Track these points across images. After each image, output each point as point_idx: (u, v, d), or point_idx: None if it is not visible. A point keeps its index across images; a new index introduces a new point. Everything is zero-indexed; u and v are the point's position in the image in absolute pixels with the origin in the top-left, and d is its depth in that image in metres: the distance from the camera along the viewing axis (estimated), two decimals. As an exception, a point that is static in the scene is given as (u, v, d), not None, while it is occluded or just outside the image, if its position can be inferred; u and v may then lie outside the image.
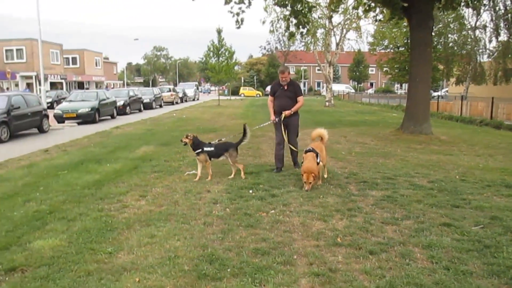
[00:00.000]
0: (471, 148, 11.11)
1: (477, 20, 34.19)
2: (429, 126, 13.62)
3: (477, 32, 34.76)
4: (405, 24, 20.78)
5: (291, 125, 7.78)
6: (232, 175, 7.35)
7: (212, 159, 7.35)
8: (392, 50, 33.17)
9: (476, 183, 7.15)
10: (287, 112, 7.64)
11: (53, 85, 47.35)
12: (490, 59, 36.80)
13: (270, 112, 7.96)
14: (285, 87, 7.71)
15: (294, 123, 7.82)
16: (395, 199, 5.98)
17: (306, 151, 6.72)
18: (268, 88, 8.97)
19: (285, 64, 61.88)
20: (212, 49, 36.23)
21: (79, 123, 19.73)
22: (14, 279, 3.67)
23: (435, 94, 42.55)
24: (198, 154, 7.22)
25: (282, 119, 7.65)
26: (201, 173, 7.34)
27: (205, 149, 7.25)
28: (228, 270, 3.73)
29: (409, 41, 18.76)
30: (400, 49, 31.37)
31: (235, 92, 61.34)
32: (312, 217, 5.18)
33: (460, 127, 17.61)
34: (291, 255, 4.05)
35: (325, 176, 7.23)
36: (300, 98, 7.79)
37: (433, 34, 16.69)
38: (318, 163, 6.54)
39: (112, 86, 59.09)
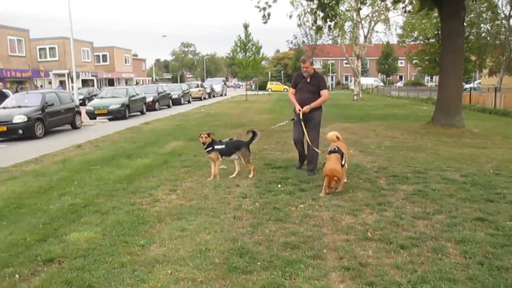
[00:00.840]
0: (505, 141, 10.79)
1: (511, 9, 32.99)
2: (461, 119, 13.29)
3: (511, 21, 33.54)
4: (436, 14, 20.25)
5: (310, 122, 7.00)
6: (251, 175, 7.04)
7: (223, 157, 7.07)
8: (422, 42, 32.40)
9: (511, 177, 6.95)
10: (305, 108, 6.89)
11: (85, 82, 48.50)
12: (525, 50, 35.43)
13: (294, 104, 7.13)
14: (308, 79, 6.98)
15: (315, 119, 7.02)
16: (426, 193, 5.88)
17: (330, 152, 6.04)
18: None
19: (312, 57, 61.55)
20: (239, 44, 36.32)
21: (110, 119, 20.16)
22: (52, 269, 3.80)
23: (467, 86, 41.35)
24: (208, 152, 6.99)
25: (300, 116, 6.96)
26: (230, 167, 7.38)
27: (216, 147, 6.96)
28: (258, 263, 3.76)
29: (439, 32, 18.33)
30: (430, 40, 30.62)
31: (262, 87, 61.33)
32: (341, 212, 5.16)
33: (493, 119, 17.11)
34: (321, 249, 4.05)
35: (345, 181, 6.41)
36: (323, 92, 7.01)
37: (464, 24, 16.21)
38: (342, 166, 5.93)
39: (141, 83, 60.01)
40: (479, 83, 46.68)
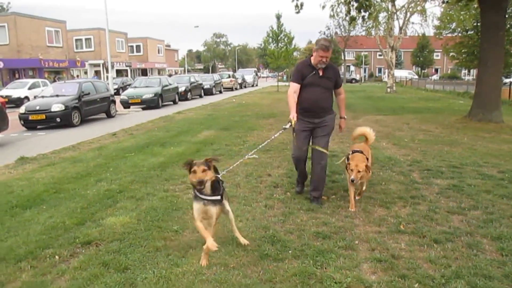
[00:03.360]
0: (547, 138, 10.38)
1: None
2: (500, 114, 12.85)
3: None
4: (475, 5, 19.57)
5: (322, 128, 5.20)
6: None
7: None
8: (460, 34, 31.37)
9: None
10: (342, 125, 5.44)
11: (119, 72, 49.50)
12: None
13: (290, 109, 5.02)
14: (321, 72, 5.11)
15: (329, 124, 5.23)
16: (461, 188, 5.75)
17: (354, 152, 5.17)
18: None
19: (345, 50, 60.61)
20: (271, 34, 36.11)
21: (143, 108, 20.54)
22: (90, 251, 3.94)
23: (507, 80, 39.85)
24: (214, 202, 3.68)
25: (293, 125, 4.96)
26: (262, 157, 7.38)
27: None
28: (290, 251, 3.79)
29: (479, 24, 17.70)
30: (469, 32, 29.61)
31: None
32: (373, 204, 5.11)
33: (534, 115, 16.45)
34: (353, 240, 4.04)
35: (364, 189, 5.46)
36: (342, 90, 5.47)
37: (506, 16, 15.60)
38: (367, 169, 5.00)
39: (173, 73, 60.75)
40: (520, 77, 44.91)
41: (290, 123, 4.92)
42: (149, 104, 20.59)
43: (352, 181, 4.76)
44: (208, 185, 3.53)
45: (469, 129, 11.63)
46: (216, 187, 3.65)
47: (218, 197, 3.66)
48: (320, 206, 5.03)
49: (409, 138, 10.05)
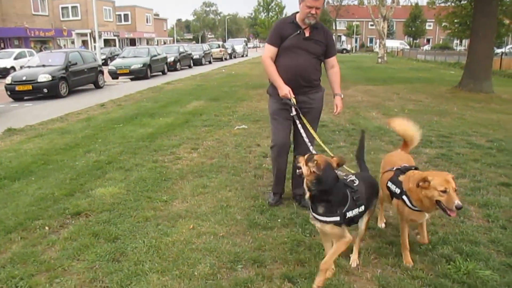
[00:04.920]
0: (535, 108, 10.46)
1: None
2: (490, 84, 12.90)
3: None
4: (469, -26, 19.33)
5: (309, 112, 3.98)
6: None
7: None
8: (453, 4, 31.01)
9: (539, 143, 6.78)
10: (339, 104, 4.01)
11: (107, 42, 48.51)
12: (562, 12, 33.69)
13: (276, 81, 3.86)
14: (307, 32, 3.85)
15: (316, 106, 4.04)
16: (450, 157, 5.80)
17: (403, 169, 3.20)
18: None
19: (337, 19, 59.81)
20: (261, 4, 35.60)
21: (132, 79, 20.25)
22: (79, 222, 3.93)
23: (499, 50, 39.78)
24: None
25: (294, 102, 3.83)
26: (251, 127, 7.38)
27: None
28: (279, 220, 3.81)
29: (472, -8, 17.47)
30: (462, 2, 29.27)
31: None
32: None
33: (524, 85, 16.53)
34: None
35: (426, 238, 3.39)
36: (335, 61, 4.07)
37: (500, -15, 15.45)
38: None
39: (162, 43, 59.75)
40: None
41: (292, 105, 3.80)
42: (138, 75, 20.28)
43: (459, 208, 2.69)
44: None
45: (459, 99, 11.67)
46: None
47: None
48: (303, 206, 4.07)
49: (399, 108, 10.06)
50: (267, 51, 3.93)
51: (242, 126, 7.76)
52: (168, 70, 23.95)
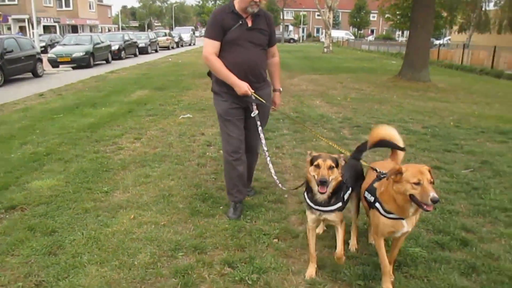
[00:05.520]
0: (468, 96, 11.11)
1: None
2: (427, 74, 13.53)
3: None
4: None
5: (262, 111, 3.68)
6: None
7: None
8: (395, -4, 32.12)
9: (470, 129, 7.24)
10: (277, 100, 3.86)
11: (46, 29, 46.16)
12: (496, 7, 35.80)
13: (228, 79, 3.44)
14: (250, 22, 3.50)
15: (266, 110, 3.77)
16: (387, 143, 6.05)
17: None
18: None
19: (284, 9, 60.22)
20: (209, -8, 35.07)
21: (73, 68, 19.45)
22: (14, 216, 3.77)
23: (437, 42, 41.79)
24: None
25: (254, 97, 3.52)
26: (196, 116, 7.34)
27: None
28: (221, 207, 3.85)
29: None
30: (404, -6, 30.36)
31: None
32: (304, 159, 5.23)
33: (459, 75, 17.48)
34: (282, 194, 4.16)
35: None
36: (277, 51, 3.83)
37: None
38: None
39: (107, 30, 57.70)
40: (449, 39, 47.18)
41: (254, 102, 3.49)
42: (80, 63, 19.49)
43: (435, 201, 2.38)
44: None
45: (398, 87, 12.17)
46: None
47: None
48: (254, 193, 4.11)
49: (342, 96, 10.36)
50: (209, 47, 3.45)
51: (187, 115, 7.71)
52: (112, 59, 23.20)
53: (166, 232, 3.39)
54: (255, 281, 2.76)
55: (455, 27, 37.39)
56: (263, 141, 3.58)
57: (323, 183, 2.56)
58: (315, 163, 2.62)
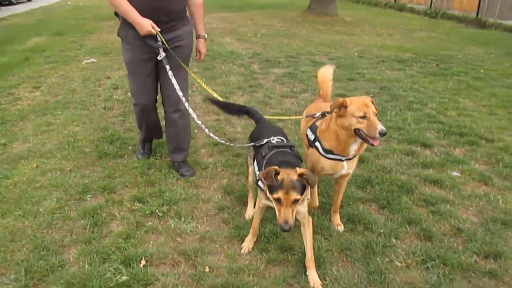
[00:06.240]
0: (372, 29, 11.58)
1: None
2: (334, 8, 13.78)
3: None
4: None
5: (180, 53, 3.09)
6: None
7: None
8: None
9: (372, 59, 7.64)
10: (202, 48, 3.36)
11: None
12: None
13: (129, 15, 2.85)
14: None
15: (187, 43, 3.16)
16: (295, 75, 6.22)
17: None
18: None
19: None
20: None
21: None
22: None
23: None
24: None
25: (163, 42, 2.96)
26: (101, 60, 6.94)
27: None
28: (130, 148, 3.78)
29: None
30: None
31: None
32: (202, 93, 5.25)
33: (365, 9, 18.04)
34: (192, 129, 4.15)
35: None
36: None
37: None
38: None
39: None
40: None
41: (158, 46, 2.94)
42: (-37, 11, 17.33)
43: (383, 134, 2.27)
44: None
45: (307, 22, 12.33)
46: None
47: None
48: (193, 173, 3.34)
49: (252, 33, 10.31)
50: None
51: (91, 60, 7.26)
52: (2, 5, 20.86)
53: (72, 177, 3.28)
54: (165, 212, 2.80)
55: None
56: (177, 86, 3.02)
57: (286, 227, 1.99)
58: (275, 195, 2.02)
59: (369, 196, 3.05)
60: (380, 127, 2.23)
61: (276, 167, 2.03)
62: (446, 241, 2.60)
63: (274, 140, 2.40)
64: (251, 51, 7.93)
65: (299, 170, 2.04)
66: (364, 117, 2.26)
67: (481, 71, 7.11)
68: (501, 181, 3.36)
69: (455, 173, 3.46)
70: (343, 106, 2.32)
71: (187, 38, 3.11)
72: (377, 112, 2.32)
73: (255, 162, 2.42)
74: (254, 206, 2.63)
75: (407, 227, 2.74)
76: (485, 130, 4.38)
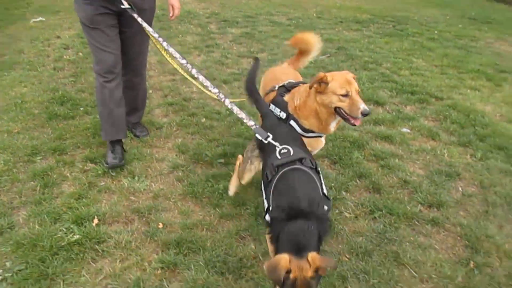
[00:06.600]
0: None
1: None
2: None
3: None
4: None
5: (142, 17, 2.69)
6: None
7: None
8: None
9: (330, 20, 7.64)
10: (176, 5, 3.11)
11: None
12: None
13: None
14: None
15: (149, 7, 2.92)
16: (253, 35, 6.15)
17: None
18: None
19: None
20: None
21: None
22: None
23: None
24: None
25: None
26: (50, 19, 6.60)
27: None
28: (81, 109, 3.67)
29: None
30: None
31: None
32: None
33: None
34: (147, 89, 4.07)
35: None
36: None
37: None
38: None
39: None
40: None
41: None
42: None
43: (366, 114, 2.12)
44: None
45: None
46: None
47: None
48: (147, 133, 3.24)
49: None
50: None
51: (39, 19, 6.87)
52: None
53: (20, 139, 3.16)
54: (118, 172, 2.78)
55: None
56: (153, 33, 2.65)
57: None
58: None
59: (322, 152, 3.12)
60: (363, 106, 2.08)
61: (288, 263, 1.47)
62: (393, 192, 2.72)
63: (278, 150, 1.87)
64: (208, 11, 7.74)
65: (313, 260, 1.48)
66: (346, 95, 2.10)
67: (436, 32, 7.27)
68: (448, 136, 3.52)
69: (405, 130, 3.59)
70: (323, 82, 2.12)
71: (148, 2, 2.85)
72: (359, 90, 2.16)
73: (262, 184, 1.93)
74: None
75: (357, 180, 2.84)
76: (436, 88, 4.53)
